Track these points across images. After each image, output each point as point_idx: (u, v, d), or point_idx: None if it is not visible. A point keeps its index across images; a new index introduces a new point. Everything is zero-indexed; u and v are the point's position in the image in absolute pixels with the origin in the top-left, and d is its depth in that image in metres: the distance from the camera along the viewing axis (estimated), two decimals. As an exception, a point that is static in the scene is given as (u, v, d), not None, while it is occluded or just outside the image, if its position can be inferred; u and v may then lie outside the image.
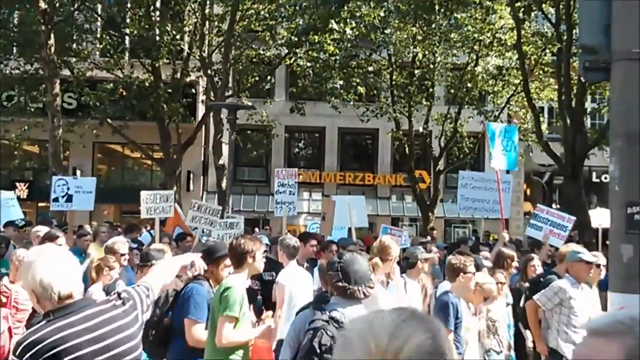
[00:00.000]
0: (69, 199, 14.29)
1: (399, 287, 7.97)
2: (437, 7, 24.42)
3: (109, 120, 25.06)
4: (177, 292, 6.62)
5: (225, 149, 23.33)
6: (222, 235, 12.16)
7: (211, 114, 25.06)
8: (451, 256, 7.52)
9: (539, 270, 9.50)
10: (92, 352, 3.46)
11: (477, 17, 26.11)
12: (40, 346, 3.37)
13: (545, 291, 7.97)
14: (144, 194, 12.26)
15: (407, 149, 27.81)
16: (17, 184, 25.96)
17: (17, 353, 3.41)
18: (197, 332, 5.97)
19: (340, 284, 4.84)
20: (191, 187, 31.78)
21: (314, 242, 10.10)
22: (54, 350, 3.38)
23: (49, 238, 8.72)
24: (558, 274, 8.56)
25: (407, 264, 8.36)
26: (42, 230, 10.28)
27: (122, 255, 8.61)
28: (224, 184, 22.86)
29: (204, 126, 28.01)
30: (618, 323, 1.68)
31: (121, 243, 8.99)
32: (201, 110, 28.73)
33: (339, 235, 13.54)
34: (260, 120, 26.98)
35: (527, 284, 9.21)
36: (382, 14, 24.08)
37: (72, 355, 3.40)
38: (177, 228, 14.73)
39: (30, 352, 3.36)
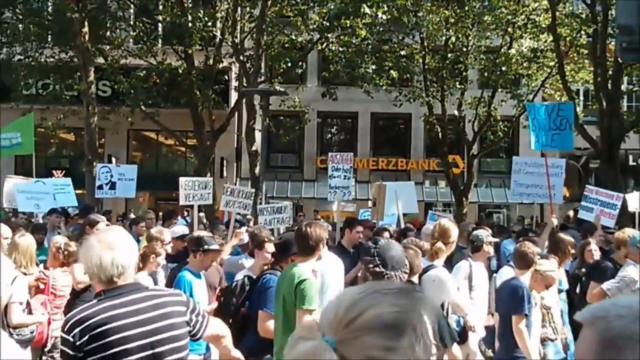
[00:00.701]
0: (112, 186, 14.41)
1: (463, 270, 7.92)
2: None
3: (143, 107, 25.27)
4: (252, 281, 6.64)
5: (258, 135, 23.38)
6: (270, 220, 12.14)
7: (244, 100, 25.10)
8: (521, 244, 7.42)
9: (597, 255, 9.24)
10: (138, 334, 3.56)
11: (510, -2, 25.80)
12: (88, 323, 3.49)
13: (617, 283, 7.73)
14: (182, 180, 12.27)
15: (440, 134, 27.62)
16: (54, 171, 26.21)
17: (65, 329, 3.53)
18: (271, 326, 5.91)
19: (377, 269, 4.82)
20: (225, 174, 31.92)
21: (360, 228, 10.07)
22: (101, 329, 3.49)
23: (90, 224, 8.76)
24: (616, 260, 8.40)
25: (472, 247, 8.26)
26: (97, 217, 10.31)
27: (167, 243, 8.65)
28: (257, 170, 22.90)
29: (236, 112, 28.08)
30: (597, 310, 1.66)
31: (165, 231, 9.03)
32: (234, 96, 28.80)
33: (389, 221, 13.52)
34: (293, 105, 26.96)
35: (584, 270, 9.00)
36: (414, -3, 23.93)
37: (118, 335, 3.51)
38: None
39: (79, 328, 3.49)
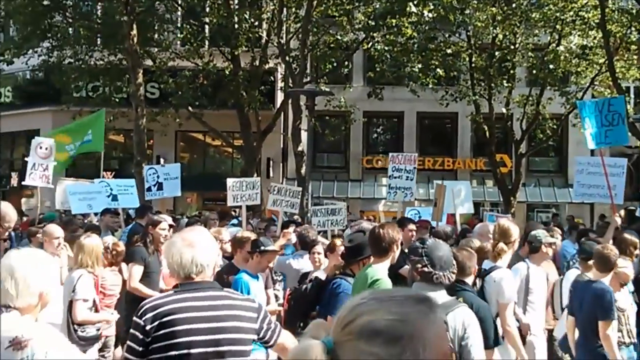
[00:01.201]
0: (160, 186, 14.48)
1: (520, 273, 7.79)
2: (517, -14, 23.90)
3: (190, 108, 25.51)
4: (319, 283, 6.67)
5: (304, 135, 23.43)
6: (323, 221, 12.09)
7: (290, 101, 25.19)
8: (603, 247, 7.24)
9: None
10: (204, 329, 3.69)
11: (559, -5, 25.41)
12: (160, 310, 3.69)
13: None
14: (230, 181, 12.29)
15: (487, 133, 27.35)
16: (104, 172, 26.67)
17: (138, 314, 3.73)
18: None
19: (426, 269, 4.78)
20: (271, 174, 32.04)
21: (412, 226, 10.02)
22: (169, 317, 3.66)
23: (152, 224, 8.82)
24: None
25: (530, 248, 8.01)
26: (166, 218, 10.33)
27: (226, 242, 8.67)
28: (303, 171, 22.95)
29: (282, 113, 28.19)
30: None
31: (223, 230, 9.10)
32: (280, 97, 28.92)
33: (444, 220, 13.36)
34: (339, 105, 26.96)
35: None
36: (460, -6, 23.69)
37: (184, 326, 3.66)
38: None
39: (152, 314, 3.68)
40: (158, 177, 14.64)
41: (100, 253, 7.72)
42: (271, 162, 32.20)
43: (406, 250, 9.19)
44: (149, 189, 14.54)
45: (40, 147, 15.18)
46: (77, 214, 15.04)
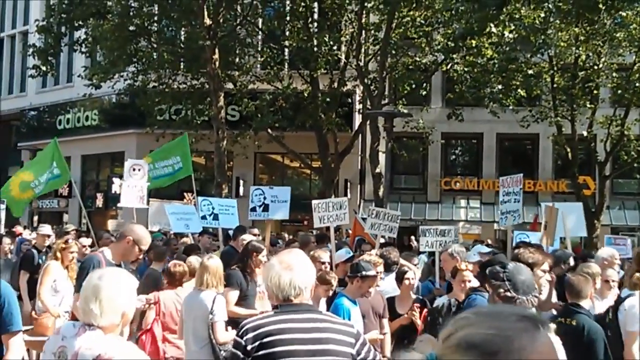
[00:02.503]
0: (266, 208, 14.54)
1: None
2: (601, 6, 23.34)
3: (269, 130, 25.80)
4: (457, 303, 6.72)
5: (382, 157, 23.41)
6: (432, 242, 11.98)
7: (368, 123, 25.23)
8: None
9: None
10: (303, 351, 3.72)
11: (644, 14, 24.79)
12: (261, 330, 3.73)
13: None
14: (315, 203, 12.24)
15: (569, 154, 26.80)
16: (185, 193, 27.13)
17: (239, 333, 3.79)
18: None
19: (508, 294, 4.68)
20: (349, 196, 32.05)
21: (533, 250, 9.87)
22: (270, 338, 3.71)
23: (255, 251, 8.68)
24: None
25: None
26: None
27: (323, 263, 8.60)
28: (381, 192, 22.95)
29: (360, 135, 28.26)
30: None
31: (322, 252, 9.08)
32: (358, 118, 28.98)
33: (555, 245, 12.97)
34: (417, 127, 26.87)
35: None
36: (542, 14, 23.31)
37: (284, 347, 3.70)
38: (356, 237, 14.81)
39: (253, 334, 3.73)
40: (264, 198, 14.66)
41: (222, 273, 7.75)
42: (349, 183, 32.21)
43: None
44: (254, 209, 14.61)
45: (134, 169, 15.53)
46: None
